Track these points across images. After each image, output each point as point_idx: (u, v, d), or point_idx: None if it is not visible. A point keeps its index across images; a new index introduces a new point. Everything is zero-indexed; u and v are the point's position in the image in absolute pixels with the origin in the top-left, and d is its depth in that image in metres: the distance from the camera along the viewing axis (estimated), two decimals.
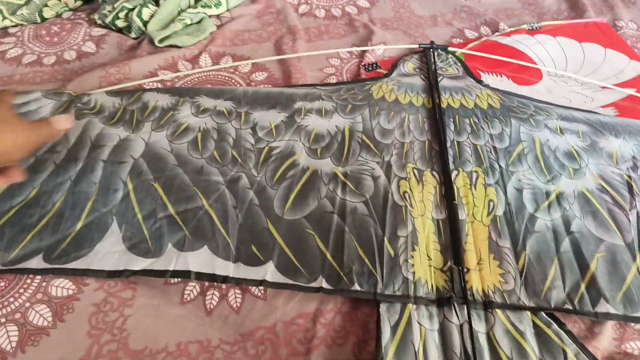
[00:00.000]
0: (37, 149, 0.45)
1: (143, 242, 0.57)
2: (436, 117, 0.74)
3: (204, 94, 0.76)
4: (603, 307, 0.55)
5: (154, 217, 0.59)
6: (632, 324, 0.57)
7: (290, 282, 0.55)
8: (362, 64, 0.88)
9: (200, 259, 0.56)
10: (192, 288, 0.57)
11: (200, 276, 0.55)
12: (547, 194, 0.65)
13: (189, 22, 0.92)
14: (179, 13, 0.94)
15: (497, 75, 0.86)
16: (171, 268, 0.55)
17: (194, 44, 0.89)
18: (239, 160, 0.66)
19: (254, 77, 0.85)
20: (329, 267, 0.56)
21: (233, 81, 0.84)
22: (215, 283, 0.56)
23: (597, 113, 0.80)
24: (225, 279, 0.55)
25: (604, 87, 0.84)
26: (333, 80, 0.85)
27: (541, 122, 0.75)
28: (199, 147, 0.67)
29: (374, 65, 0.88)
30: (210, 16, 0.96)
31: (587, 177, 0.68)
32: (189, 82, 0.83)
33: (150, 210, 0.60)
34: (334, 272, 0.56)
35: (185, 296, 0.56)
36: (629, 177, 0.68)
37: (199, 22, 0.94)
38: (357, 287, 0.55)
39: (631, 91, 0.83)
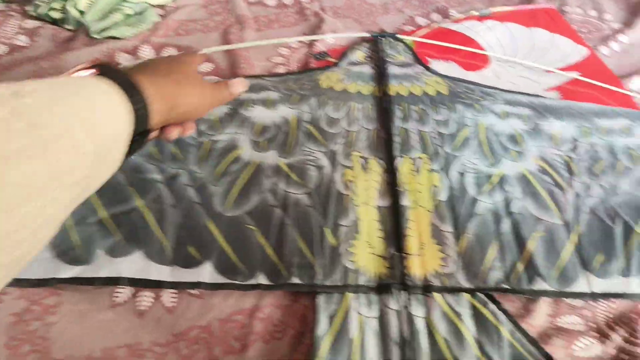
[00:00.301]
0: (213, 109, 0.46)
1: (71, 249, 0.54)
2: (383, 106, 0.73)
3: None
4: (539, 285, 0.57)
5: (84, 223, 0.56)
6: (566, 300, 0.58)
7: (227, 281, 0.54)
8: (312, 52, 0.86)
9: (134, 265, 0.54)
10: (124, 291, 0.54)
11: (133, 282, 0.53)
12: (490, 177, 0.66)
13: (130, 12, 0.88)
14: (119, 3, 0.90)
15: (446, 62, 0.85)
16: (101, 275, 0.52)
17: (135, 34, 0.86)
18: (179, 156, 0.64)
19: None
20: (269, 262, 0.56)
21: None
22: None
23: (542, 97, 0.80)
24: (159, 284, 0.53)
25: (548, 71, 0.85)
26: (281, 70, 0.83)
27: (486, 107, 0.75)
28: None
29: (324, 54, 0.86)
30: (153, 6, 0.93)
31: (529, 159, 0.69)
32: None
33: (80, 215, 0.56)
34: (274, 267, 0.55)
35: (116, 299, 0.53)
36: (569, 157, 0.70)
37: (140, 12, 0.90)
38: (296, 280, 0.54)
39: (575, 75, 0.84)
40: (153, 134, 0.41)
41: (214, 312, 0.53)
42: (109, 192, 0.58)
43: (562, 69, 0.86)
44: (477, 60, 0.86)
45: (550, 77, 0.85)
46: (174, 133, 0.43)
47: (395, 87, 0.77)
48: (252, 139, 0.67)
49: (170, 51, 0.84)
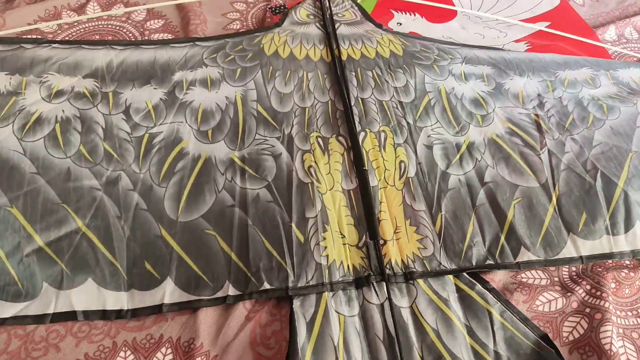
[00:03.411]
0: None
1: (11, 284, 0.47)
2: (337, 72, 0.66)
3: (54, 70, 0.61)
4: (524, 256, 0.54)
5: (20, 254, 0.49)
6: None
7: (192, 298, 0.49)
8: (269, 6, 0.81)
9: (86, 295, 0.48)
10: None
11: (89, 315, 0.47)
12: (458, 147, 0.61)
13: None
14: None
15: (410, 14, 0.82)
16: (51, 311, 0.47)
17: None
18: (115, 155, 0.55)
19: (148, 26, 0.77)
20: (235, 269, 0.50)
21: (125, 30, 0.76)
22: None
23: (501, 49, 0.76)
24: (119, 314, 0.48)
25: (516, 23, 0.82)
26: (237, 25, 0.79)
27: (445, 68, 0.70)
28: (60, 143, 0.54)
29: (282, 8, 0.81)
30: None
31: (496, 122, 0.64)
32: (74, 34, 0.74)
33: (13, 245, 0.49)
34: (241, 274, 0.50)
35: None
36: (537, 115, 0.65)
37: None
38: (266, 285, 0.49)
39: (541, 26, 0.81)
40: None
41: None
42: (39, 212, 0.50)
43: (531, 19, 0.83)
44: (443, 13, 0.82)
45: (517, 28, 0.82)
46: None
47: (345, 50, 0.70)
48: (196, 128, 0.59)
49: (119, 8, 0.79)
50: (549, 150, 0.62)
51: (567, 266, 0.56)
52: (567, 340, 0.51)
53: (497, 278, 0.55)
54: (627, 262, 0.57)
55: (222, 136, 0.59)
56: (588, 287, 0.54)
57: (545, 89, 0.69)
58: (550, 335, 0.51)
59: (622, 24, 0.83)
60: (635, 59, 0.78)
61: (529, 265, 0.54)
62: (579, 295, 0.53)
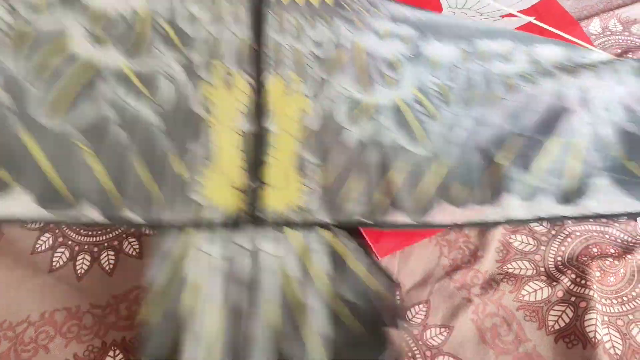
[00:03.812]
0: None
1: None
2: (258, 11, 0.61)
3: None
4: (397, 217, 0.54)
5: None
6: (515, 245, 0.58)
7: (47, 215, 0.45)
8: None
9: None
10: (61, 254, 0.53)
11: None
12: (362, 106, 0.60)
13: None
14: None
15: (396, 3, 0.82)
16: None
17: None
18: None
19: None
20: (101, 191, 0.47)
21: None
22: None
23: (432, 12, 0.73)
24: None
25: (503, 16, 0.82)
26: None
27: (369, 24, 0.66)
28: None
29: None
30: None
31: (404, 87, 0.63)
32: None
33: None
34: (106, 198, 0.47)
35: (53, 264, 0.52)
36: (447, 86, 0.64)
37: None
38: (129, 213, 0.47)
39: (529, 18, 0.81)
40: None
41: None
42: None
43: (519, 12, 0.83)
44: (429, 7, 0.83)
45: (503, 22, 0.82)
46: None
47: None
48: (89, 30, 0.53)
49: None
50: (444, 123, 0.61)
51: (553, 256, 0.57)
52: (552, 330, 0.52)
53: (484, 269, 0.56)
54: (612, 250, 0.58)
55: (117, 44, 0.54)
56: (573, 276, 0.55)
57: (459, 59, 0.67)
58: (536, 325, 0.52)
59: (607, 17, 0.84)
60: (616, 52, 0.79)
61: (400, 226, 0.54)
62: (564, 284, 0.54)
